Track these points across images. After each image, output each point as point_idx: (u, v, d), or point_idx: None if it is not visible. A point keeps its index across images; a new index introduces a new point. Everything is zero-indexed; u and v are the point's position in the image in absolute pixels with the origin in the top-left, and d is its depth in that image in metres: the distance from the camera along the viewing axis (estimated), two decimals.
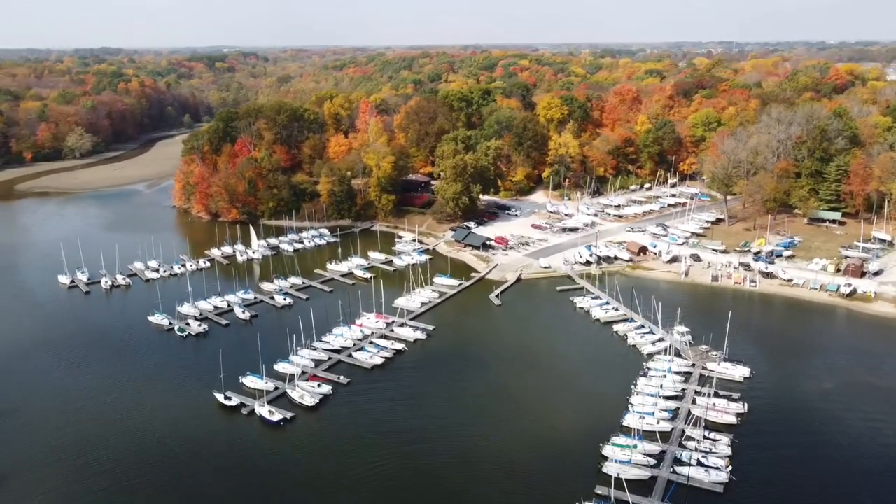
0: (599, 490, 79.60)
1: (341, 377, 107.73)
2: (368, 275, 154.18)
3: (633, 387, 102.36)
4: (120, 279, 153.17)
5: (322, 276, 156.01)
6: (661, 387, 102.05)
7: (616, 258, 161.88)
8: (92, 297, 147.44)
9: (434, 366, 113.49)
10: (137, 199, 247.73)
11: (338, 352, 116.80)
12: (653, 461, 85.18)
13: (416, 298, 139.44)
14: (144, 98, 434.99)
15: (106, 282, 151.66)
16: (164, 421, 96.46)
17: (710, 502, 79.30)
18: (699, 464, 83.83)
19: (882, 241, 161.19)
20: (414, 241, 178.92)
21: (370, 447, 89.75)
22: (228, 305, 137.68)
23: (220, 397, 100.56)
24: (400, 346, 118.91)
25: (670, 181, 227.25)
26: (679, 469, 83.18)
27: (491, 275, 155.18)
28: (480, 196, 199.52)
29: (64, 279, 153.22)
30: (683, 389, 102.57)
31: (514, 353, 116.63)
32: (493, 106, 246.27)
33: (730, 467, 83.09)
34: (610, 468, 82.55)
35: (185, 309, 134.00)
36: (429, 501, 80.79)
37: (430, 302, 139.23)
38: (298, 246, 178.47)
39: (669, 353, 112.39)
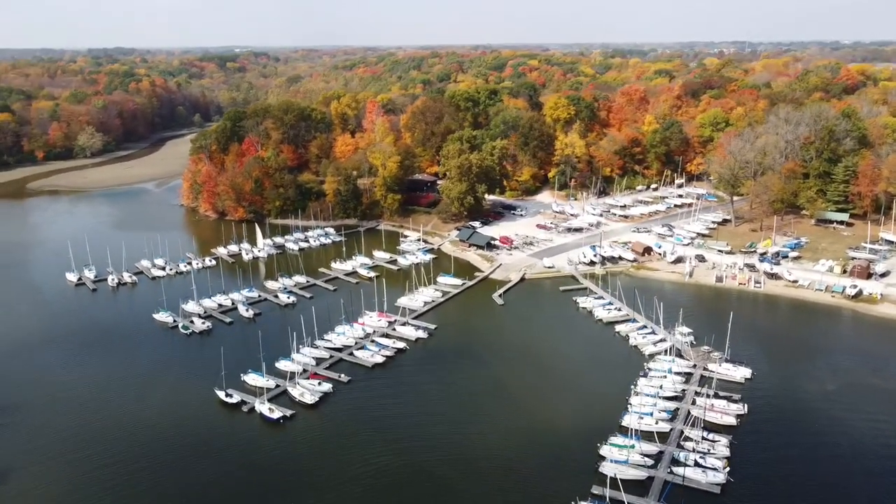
0: (595, 490, 79.58)
1: (342, 375, 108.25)
2: (372, 274, 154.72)
3: (632, 387, 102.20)
4: (126, 277, 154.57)
5: (326, 275, 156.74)
6: (661, 387, 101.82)
7: (620, 258, 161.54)
8: (98, 294, 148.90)
9: (434, 364, 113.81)
10: (146, 197, 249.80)
11: (339, 350, 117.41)
12: (650, 461, 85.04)
13: (419, 297, 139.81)
14: (155, 98, 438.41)
15: (113, 279, 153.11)
16: (165, 417, 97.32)
17: (707, 503, 79.12)
18: (696, 465, 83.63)
19: (890, 242, 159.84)
20: (419, 240, 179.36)
21: (368, 444, 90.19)
22: (233, 303, 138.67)
23: (221, 394, 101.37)
24: (401, 344, 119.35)
25: (677, 182, 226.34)
26: (676, 470, 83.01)
27: (494, 274, 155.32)
28: (486, 196, 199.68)
29: (71, 277, 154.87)
30: (683, 390, 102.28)
31: (514, 353, 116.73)
32: (500, 106, 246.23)
33: (727, 468, 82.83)
34: (607, 468, 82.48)
35: (190, 307, 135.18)
36: (426, 498, 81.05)
37: (432, 301, 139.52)
38: (304, 245, 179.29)
39: (671, 354, 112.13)
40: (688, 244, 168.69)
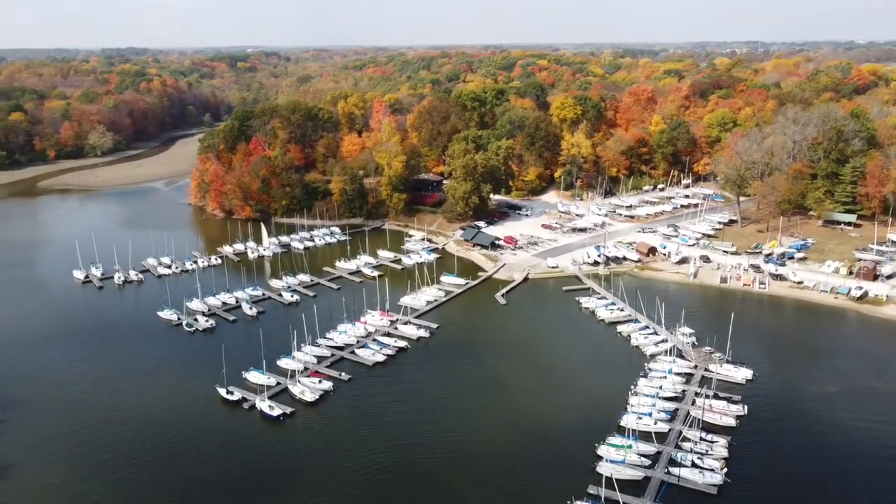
0: (591, 489, 79.59)
1: (343, 373, 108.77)
2: (376, 273, 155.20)
3: (632, 387, 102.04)
4: (132, 275, 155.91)
5: (330, 274, 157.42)
6: (661, 388, 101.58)
7: (625, 259, 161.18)
8: (105, 291, 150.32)
9: (435, 364, 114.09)
10: (155, 196, 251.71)
11: (341, 348, 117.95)
12: (647, 462, 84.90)
13: (422, 297, 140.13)
14: (166, 97, 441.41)
15: (119, 277, 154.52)
16: (166, 414, 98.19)
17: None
18: (693, 465, 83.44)
19: None
20: (423, 239, 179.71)
21: (367, 442, 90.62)
22: (237, 302, 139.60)
23: (222, 392, 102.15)
24: (403, 343, 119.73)
25: (684, 182, 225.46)
26: (673, 470, 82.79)
27: (498, 274, 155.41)
28: (491, 196, 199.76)
29: (78, 274, 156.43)
30: (683, 391, 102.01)
31: (515, 353, 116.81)
32: (507, 106, 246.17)
33: (725, 469, 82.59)
34: (604, 468, 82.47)
35: (194, 304, 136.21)
36: (425, 496, 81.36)
37: (435, 300, 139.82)
38: (309, 244, 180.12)
39: (672, 355, 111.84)
40: (693, 245, 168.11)
